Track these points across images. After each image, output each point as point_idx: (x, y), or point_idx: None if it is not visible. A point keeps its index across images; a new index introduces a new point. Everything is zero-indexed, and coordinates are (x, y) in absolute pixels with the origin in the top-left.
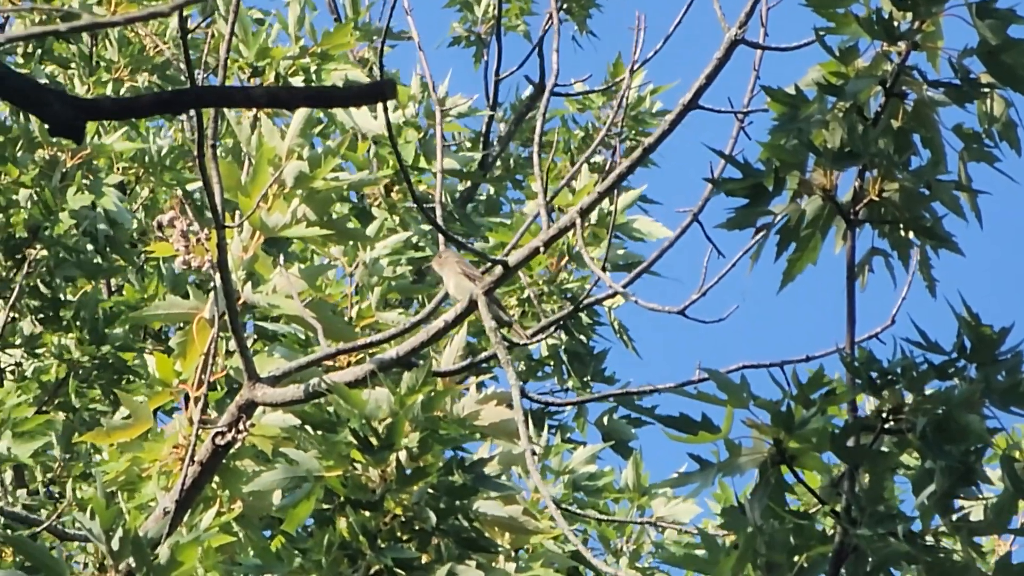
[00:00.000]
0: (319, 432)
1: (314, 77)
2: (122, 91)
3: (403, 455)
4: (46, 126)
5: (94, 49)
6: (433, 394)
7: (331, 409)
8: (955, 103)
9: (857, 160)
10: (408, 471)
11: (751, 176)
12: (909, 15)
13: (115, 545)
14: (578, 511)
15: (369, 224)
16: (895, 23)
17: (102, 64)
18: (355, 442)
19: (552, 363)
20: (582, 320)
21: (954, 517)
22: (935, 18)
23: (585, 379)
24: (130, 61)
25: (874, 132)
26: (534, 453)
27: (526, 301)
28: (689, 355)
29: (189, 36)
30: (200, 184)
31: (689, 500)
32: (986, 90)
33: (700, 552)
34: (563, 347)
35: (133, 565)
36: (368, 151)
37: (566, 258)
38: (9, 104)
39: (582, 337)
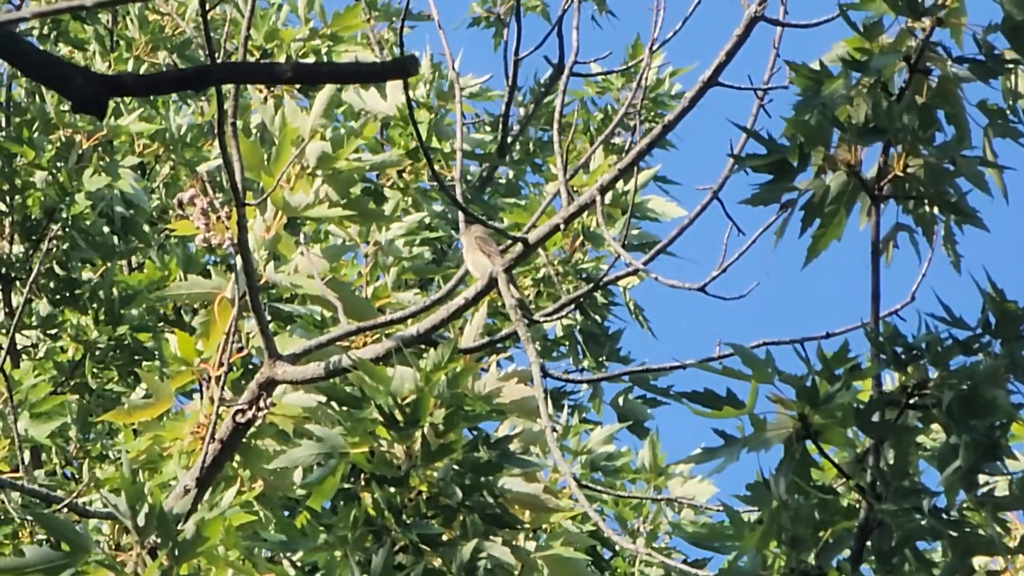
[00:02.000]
0: (344, 408)
1: (325, 59)
2: (142, 70)
3: (428, 431)
4: (68, 102)
5: (115, 28)
6: (459, 371)
7: (356, 386)
8: (979, 79)
9: (882, 136)
10: (433, 447)
11: (775, 152)
12: None
13: (140, 521)
14: (597, 489)
15: (382, 205)
16: None
17: (122, 43)
18: (380, 419)
19: (567, 343)
20: (597, 300)
21: (979, 492)
22: None
23: (600, 359)
24: (151, 39)
25: (898, 108)
26: (555, 431)
27: (541, 281)
28: (704, 334)
29: (207, 17)
30: (219, 163)
31: (705, 481)
32: (1010, 66)
33: (725, 527)
34: (578, 327)
35: (158, 541)
36: (379, 132)
37: (581, 238)
38: (32, 80)
39: (597, 317)
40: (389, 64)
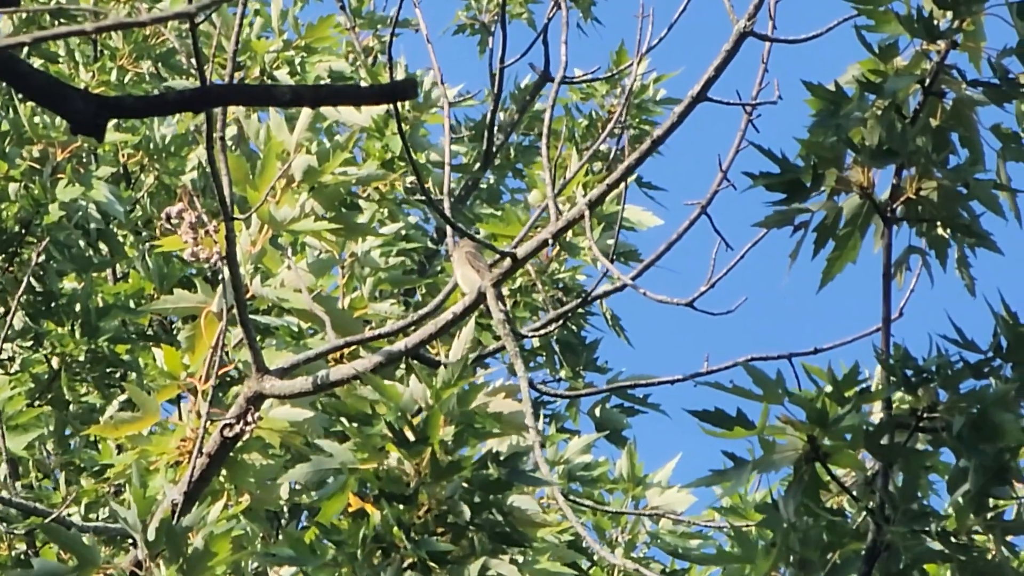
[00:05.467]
0: (354, 424)
1: (299, 70)
2: (126, 79)
3: (438, 448)
4: (68, 123)
5: (98, 38)
6: (469, 388)
7: (343, 399)
8: (993, 103)
9: (895, 158)
10: (443, 465)
11: (788, 171)
12: (949, 14)
13: (151, 535)
14: (579, 503)
15: (358, 216)
16: (935, 22)
17: (106, 52)
18: (390, 435)
19: (544, 353)
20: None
21: (988, 516)
22: (976, 17)
23: (577, 369)
24: (134, 49)
25: (912, 130)
26: (543, 446)
27: (518, 291)
28: (681, 344)
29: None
30: (201, 172)
31: (684, 491)
32: None
33: (734, 550)
34: (555, 337)
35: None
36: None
37: (558, 248)
38: (31, 101)
39: (574, 327)
40: (388, 87)
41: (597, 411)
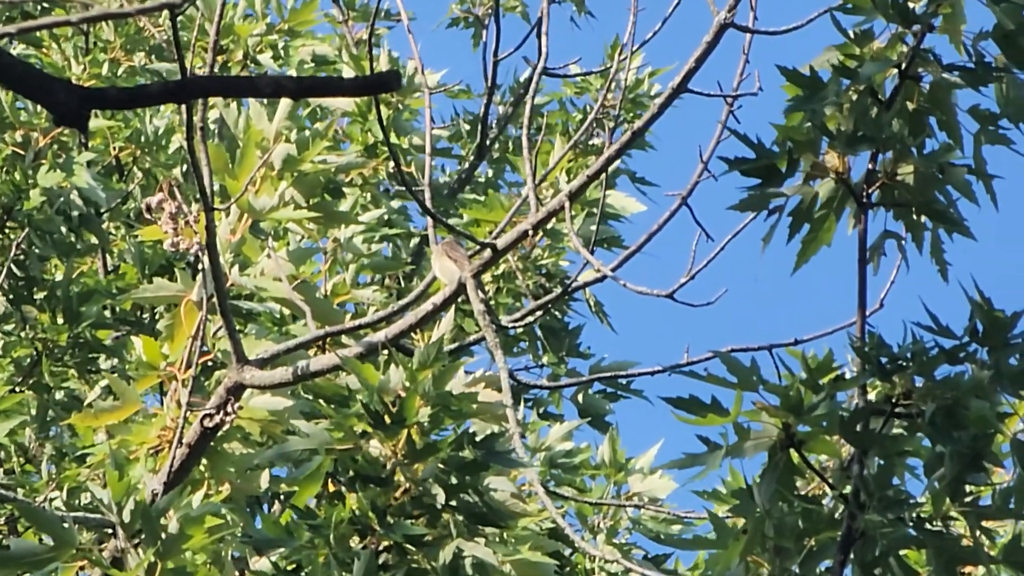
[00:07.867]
0: (331, 405)
1: (282, 54)
2: (119, 71)
3: (414, 430)
4: (51, 115)
5: (91, 30)
6: (444, 370)
7: (344, 383)
8: (970, 86)
9: (870, 144)
10: (419, 446)
11: (764, 156)
12: None
13: (126, 517)
14: (560, 492)
15: (340, 201)
16: (911, 6)
17: (98, 44)
18: (367, 416)
19: (527, 339)
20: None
21: (964, 502)
22: (954, 1)
23: (560, 355)
24: (126, 41)
25: (887, 115)
26: (522, 436)
27: (500, 277)
28: (664, 329)
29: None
30: (184, 159)
31: (665, 476)
32: (1001, 74)
33: (709, 535)
34: (537, 323)
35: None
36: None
37: (541, 235)
38: (14, 92)
39: (557, 313)
40: (371, 78)
41: (580, 397)
